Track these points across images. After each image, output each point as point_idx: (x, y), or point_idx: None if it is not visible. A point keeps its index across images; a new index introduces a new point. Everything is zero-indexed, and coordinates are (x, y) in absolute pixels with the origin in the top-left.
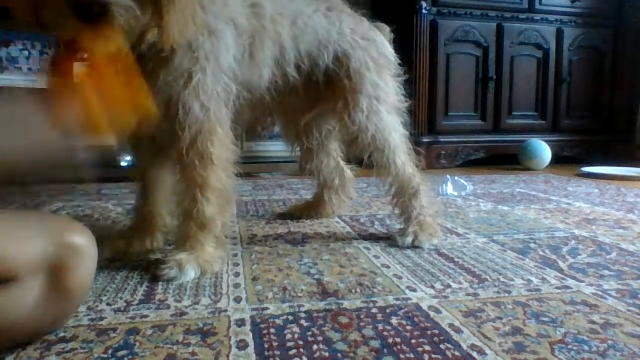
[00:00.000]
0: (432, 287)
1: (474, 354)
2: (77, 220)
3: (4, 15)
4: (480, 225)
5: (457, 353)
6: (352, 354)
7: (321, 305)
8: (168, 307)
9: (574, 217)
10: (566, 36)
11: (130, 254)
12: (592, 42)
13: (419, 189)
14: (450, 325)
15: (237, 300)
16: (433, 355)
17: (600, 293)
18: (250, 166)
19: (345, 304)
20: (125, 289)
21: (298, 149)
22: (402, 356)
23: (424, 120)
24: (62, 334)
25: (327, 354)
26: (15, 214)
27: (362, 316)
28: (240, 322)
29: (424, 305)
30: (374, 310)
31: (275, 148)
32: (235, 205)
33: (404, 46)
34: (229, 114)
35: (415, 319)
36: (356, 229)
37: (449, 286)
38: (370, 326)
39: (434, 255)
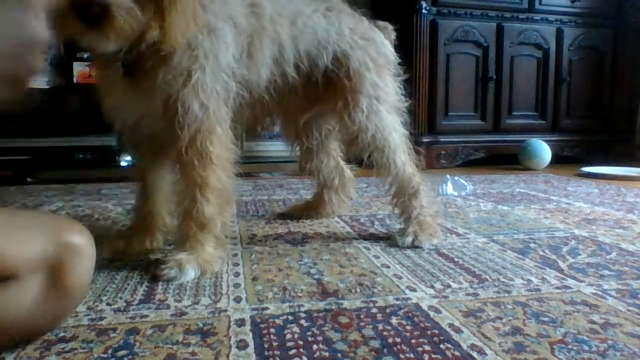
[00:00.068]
0: (432, 287)
1: (474, 354)
2: (77, 220)
3: None
4: (480, 225)
5: (457, 353)
6: (352, 354)
7: (321, 305)
8: (168, 307)
9: (574, 217)
10: (566, 36)
11: (129, 254)
12: (592, 42)
13: (419, 189)
14: (450, 325)
15: (237, 300)
16: (433, 355)
17: (600, 293)
18: (250, 166)
19: (345, 304)
20: (125, 289)
21: (298, 148)
22: (402, 356)
23: (424, 120)
24: (62, 334)
25: (327, 354)
26: (15, 214)
27: (362, 316)
28: (240, 322)
29: (424, 305)
30: (374, 310)
31: (275, 148)
32: (235, 205)
33: (404, 46)
34: (229, 113)
35: (415, 319)
36: (356, 229)
37: (449, 286)
38: (370, 326)
39: (434, 255)
